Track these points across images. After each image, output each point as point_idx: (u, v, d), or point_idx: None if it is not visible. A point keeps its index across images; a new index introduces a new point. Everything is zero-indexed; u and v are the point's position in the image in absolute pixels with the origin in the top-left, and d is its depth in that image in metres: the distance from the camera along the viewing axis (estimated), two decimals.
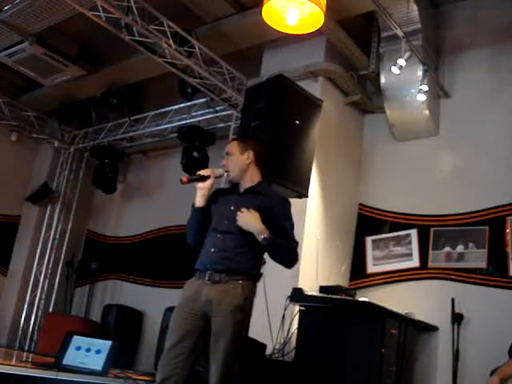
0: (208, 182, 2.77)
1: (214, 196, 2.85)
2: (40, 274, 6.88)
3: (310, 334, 3.94)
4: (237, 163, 2.80)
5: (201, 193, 2.77)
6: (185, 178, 2.76)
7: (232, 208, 2.71)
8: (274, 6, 3.54)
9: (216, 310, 2.57)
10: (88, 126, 7.30)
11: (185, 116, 6.20)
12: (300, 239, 4.47)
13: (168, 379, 2.51)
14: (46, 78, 6.13)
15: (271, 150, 3.70)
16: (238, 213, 2.63)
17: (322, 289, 3.99)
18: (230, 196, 2.83)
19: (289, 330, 4.09)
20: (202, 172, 2.79)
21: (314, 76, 4.96)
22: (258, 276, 2.74)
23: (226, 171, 2.83)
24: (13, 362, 4.12)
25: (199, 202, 2.77)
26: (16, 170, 7.22)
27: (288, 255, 2.74)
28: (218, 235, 2.69)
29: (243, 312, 2.61)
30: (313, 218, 4.69)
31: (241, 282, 2.61)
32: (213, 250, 2.66)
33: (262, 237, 2.60)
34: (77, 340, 3.78)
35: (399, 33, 4.27)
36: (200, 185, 2.77)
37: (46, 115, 7.08)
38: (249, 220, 2.62)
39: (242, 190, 2.82)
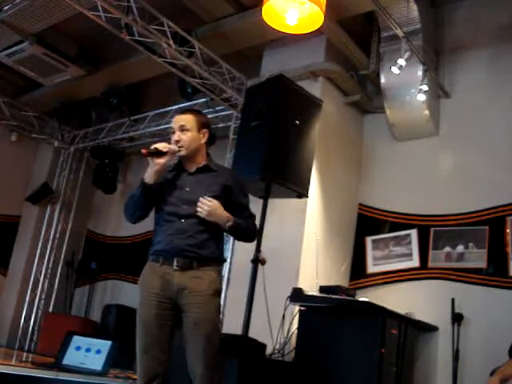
0: (165, 159, 2.55)
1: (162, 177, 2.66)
2: (40, 274, 6.88)
3: (310, 334, 3.94)
4: (193, 140, 2.64)
5: (155, 168, 2.54)
6: (145, 150, 2.56)
7: (187, 189, 2.61)
8: (274, 6, 3.54)
9: (191, 297, 2.48)
10: (88, 126, 7.29)
11: None
12: (300, 239, 4.53)
13: (153, 380, 2.45)
14: (46, 78, 6.14)
15: (271, 150, 3.71)
16: (199, 204, 2.50)
17: (322, 289, 3.99)
18: (181, 177, 2.66)
19: (289, 329, 4.09)
20: (160, 147, 2.56)
21: (314, 76, 4.96)
22: (224, 260, 2.73)
23: (180, 147, 2.62)
24: (13, 362, 4.12)
25: (151, 178, 2.55)
26: (16, 170, 7.21)
27: (250, 235, 2.77)
28: (182, 220, 2.55)
29: (219, 297, 2.59)
30: (313, 218, 4.69)
31: (212, 267, 2.57)
32: (178, 235, 2.53)
33: (228, 225, 2.56)
34: (77, 340, 3.79)
35: (399, 33, 4.27)
36: (156, 160, 2.54)
37: (46, 115, 7.07)
38: (214, 212, 2.52)
39: (193, 169, 2.67)
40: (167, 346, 2.51)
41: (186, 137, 2.63)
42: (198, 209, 2.52)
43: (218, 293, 2.56)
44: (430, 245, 4.70)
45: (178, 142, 2.63)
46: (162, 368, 2.47)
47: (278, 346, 4.01)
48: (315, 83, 4.93)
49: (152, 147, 2.58)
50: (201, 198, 2.52)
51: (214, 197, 2.56)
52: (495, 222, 4.41)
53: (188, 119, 2.67)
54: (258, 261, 3.49)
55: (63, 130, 7.19)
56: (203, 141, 2.68)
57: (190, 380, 2.50)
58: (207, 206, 2.51)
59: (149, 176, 2.57)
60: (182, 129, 2.64)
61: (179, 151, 2.62)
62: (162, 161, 2.55)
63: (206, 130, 2.70)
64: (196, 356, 2.45)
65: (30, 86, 6.74)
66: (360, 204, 5.24)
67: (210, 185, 2.61)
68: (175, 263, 2.51)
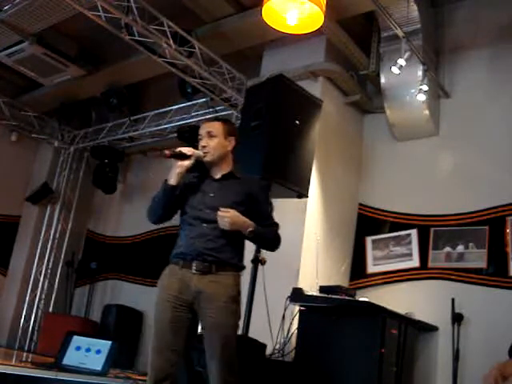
0: (187, 162, 2.61)
1: (187, 182, 2.70)
2: (40, 274, 6.88)
3: (310, 334, 3.94)
4: (219, 147, 2.68)
5: (178, 170, 2.60)
6: (168, 152, 2.62)
7: (211, 195, 2.64)
8: (274, 6, 3.55)
9: (209, 302, 2.51)
10: (88, 126, 7.30)
11: (185, 116, 6.20)
12: (300, 239, 4.53)
13: (163, 380, 2.46)
14: (46, 78, 6.14)
15: (271, 150, 3.71)
16: (219, 214, 2.52)
17: (322, 289, 3.98)
18: (206, 183, 2.70)
19: (289, 329, 4.09)
20: (185, 150, 2.62)
21: (314, 76, 4.96)
22: (243, 268, 2.73)
23: (205, 153, 2.67)
24: (13, 362, 4.12)
25: (174, 179, 2.60)
26: (16, 170, 7.21)
27: (272, 242, 2.76)
28: (204, 225, 2.58)
29: (237, 303, 2.60)
30: (313, 218, 4.69)
31: (232, 273, 2.59)
32: (199, 239, 2.57)
33: (249, 231, 2.57)
34: (77, 340, 3.79)
35: (399, 33, 4.27)
36: (180, 163, 2.60)
37: (46, 115, 7.07)
38: (236, 221, 2.53)
39: (218, 175, 2.71)
40: (180, 348, 2.52)
41: (212, 143, 2.67)
42: (220, 222, 2.53)
43: (234, 299, 2.57)
44: (430, 245, 4.70)
45: (204, 147, 2.67)
46: (173, 369, 2.49)
47: (278, 346, 4.02)
48: (315, 83, 4.94)
49: (177, 150, 2.63)
50: (219, 212, 2.53)
51: (238, 203, 2.60)
52: (495, 222, 4.41)
53: (215, 126, 2.72)
54: (258, 261, 3.50)
55: (63, 129, 7.20)
56: (229, 148, 2.72)
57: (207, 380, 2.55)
58: (227, 216, 2.52)
59: (171, 177, 2.61)
60: (209, 135, 2.69)
61: (205, 156, 2.67)
62: (184, 163, 2.60)
63: (232, 138, 2.73)
64: (213, 359, 2.50)
65: (29, 86, 6.74)
66: (360, 204, 5.24)
67: (233, 192, 2.65)
68: (194, 267, 2.55)
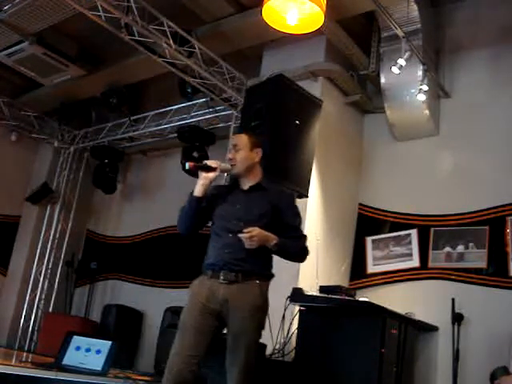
0: (212, 174, 2.68)
1: (216, 193, 2.80)
2: (40, 274, 6.88)
3: (310, 334, 3.93)
4: (245, 159, 2.74)
5: (202, 182, 2.67)
6: (192, 164, 2.72)
7: (238, 206, 2.71)
8: (274, 6, 3.54)
9: (234, 310, 2.57)
10: (88, 126, 7.30)
11: (185, 116, 6.20)
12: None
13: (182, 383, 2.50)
14: (46, 78, 6.14)
15: (271, 150, 3.71)
16: (243, 236, 2.54)
17: (322, 289, 3.98)
18: (234, 194, 2.78)
19: (289, 330, 4.09)
20: (210, 162, 2.71)
21: (314, 76, 4.96)
22: (271, 276, 2.76)
23: (232, 165, 2.75)
24: (12, 362, 4.12)
25: (199, 191, 2.67)
26: (16, 170, 7.22)
27: (297, 255, 2.80)
28: (230, 235, 2.65)
29: (262, 311, 2.65)
30: (313, 218, 4.69)
31: (258, 282, 2.63)
32: (226, 250, 2.64)
33: (273, 244, 2.61)
34: (77, 340, 3.79)
35: (399, 33, 4.27)
36: (204, 174, 2.68)
37: (46, 115, 7.07)
38: (260, 238, 2.56)
39: (246, 187, 2.78)
40: (201, 355, 2.56)
41: (238, 156, 2.74)
42: (246, 243, 2.56)
43: (259, 308, 2.62)
44: (430, 245, 4.70)
45: (230, 160, 2.76)
46: (190, 375, 2.52)
47: (278, 346, 4.01)
48: (315, 83, 4.93)
49: (203, 163, 2.72)
50: (243, 235, 2.55)
51: (263, 215, 2.66)
52: (495, 221, 4.41)
53: (241, 139, 2.80)
54: None
55: (63, 130, 7.20)
56: (256, 159, 2.78)
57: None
58: (253, 235, 2.55)
59: (196, 189, 2.69)
60: (235, 148, 2.77)
61: (232, 169, 2.75)
62: (209, 175, 2.68)
63: (259, 149, 2.79)
64: (233, 366, 2.56)
65: (29, 86, 6.73)
66: (360, 204, 5.24)
67: (259, 203, 2.70)
68: (221, 276, 2.61)
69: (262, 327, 2.68)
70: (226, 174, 2.84)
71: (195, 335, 2.55)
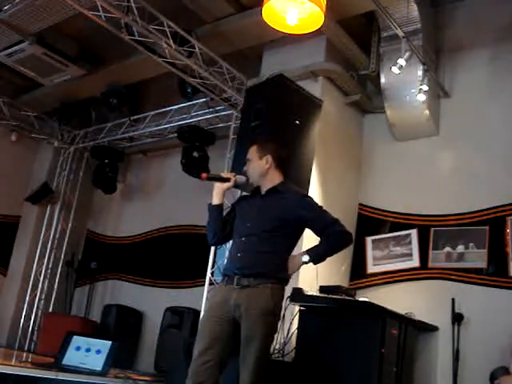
0: (226, 184, 2.85)
1: (238, 203, 2.96)
2: (40, 274, 6.88)
3: (310, 334, 3.93)
4: (256, 169, 2.87)
5: (216, 191, 2.87)
6: (204, 174, 2.88)
7: (254, 210, 2.81)
8: (274, 6, 3.54)
9: (246, 314, 2.60)
10: (88, 126, 7.30)
11: (185, 116, 6.20)
12: (300, 239, 4.51)
13: None
14: (46, 78, 6.13)
15: None
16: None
17: (322, 289, 3.98)
18: (254, 200, 2.93)
19: (289, 330, 4.09)
20: (223, 174, 2.91)
21: (314, 76, 4.96)
22: (285, 279, 2.79)
23: (247, 177, 2.90)
24: (12, 362, 4.12)
25: (215, 199, 2.87)
26: (16, 170, 7.22)
27: (337, 247, 2.91)
28: (243, 238, 2.74)
29: (273, 315, 2.67)
30: None
31: (269, 285, 2.66)
32: (239, 254, 2.72)
33: (306, 260, 2.73)
34: (77, 340, 3.79)
35: (399, 33, 4.27)
36: (218, 184, 2.87)
37: (46, 115, 7.07)
38: (292, 266, 2.75)
39: (263, 192, 2.90)
40: (216, 359, 2.60)
41: (250, 167, 2.91)
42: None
43: (270, 311, 2.65)
44: (430, 245, 4.69)
45: (245, 172, 2.93)
46: (205, 376, 2.56)
47: (278, 346, 4.01)
48: (315, 83, 4.93)
49: (216, 174, 2.95)
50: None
51: (276, 218, 2.75)
52: (495, 221, 4.41)
53: (251, 151, 2.93)
54: None
55: (63, 130, 7.20)
56: (267, 165, 2.87)
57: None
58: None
59: (213, 198, 2.88)
60: (247, 160, 2.93)
61: (247, 180, 2.91)
62: (223, 186, 2.87)
63: (268, 155, 2.87)
64: (244, 368, 2.60)
65: (29, 86, 6.73)
66: (360, 204, 5.24)
67: (274, 207, 2.80)
68: (235, 281, 2.68)
69: (274, 331, 2.72)
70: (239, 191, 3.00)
71: (209, 339, 2.61)
